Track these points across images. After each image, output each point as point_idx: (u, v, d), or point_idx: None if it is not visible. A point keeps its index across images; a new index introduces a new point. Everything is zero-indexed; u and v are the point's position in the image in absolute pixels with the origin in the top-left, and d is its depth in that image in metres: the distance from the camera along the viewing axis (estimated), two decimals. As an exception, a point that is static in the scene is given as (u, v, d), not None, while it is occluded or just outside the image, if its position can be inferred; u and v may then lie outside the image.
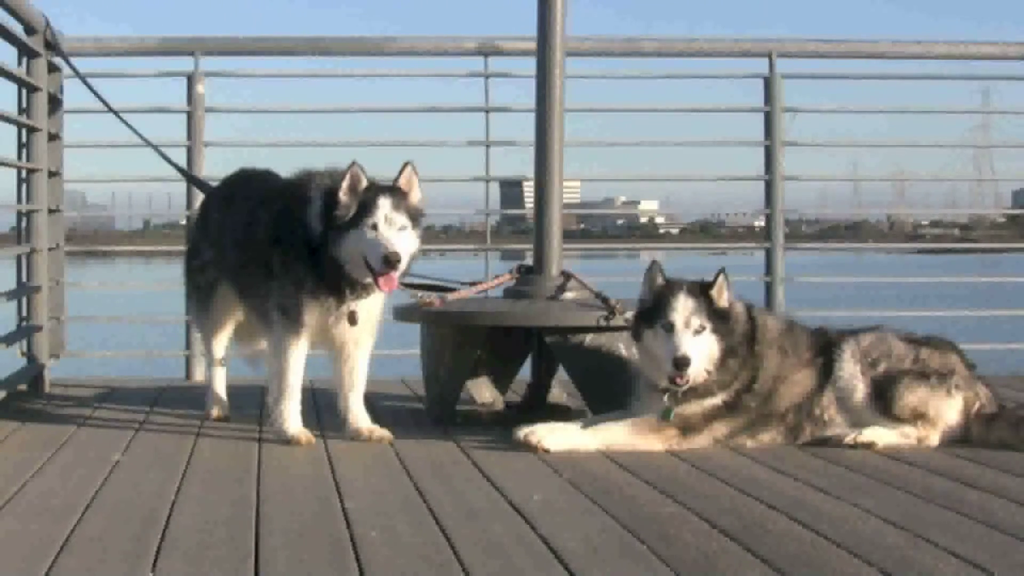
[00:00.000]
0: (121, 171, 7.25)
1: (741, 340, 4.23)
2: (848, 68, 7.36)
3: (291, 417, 4.33)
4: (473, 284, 4.95)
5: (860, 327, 4.47)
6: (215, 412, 4.78)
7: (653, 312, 4.17)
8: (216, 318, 4.78)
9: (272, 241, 4.32)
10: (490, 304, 4.84)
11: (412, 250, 4.20)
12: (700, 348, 4.12)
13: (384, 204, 4.15)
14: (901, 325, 4.60)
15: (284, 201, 4.37)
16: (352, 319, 4.30)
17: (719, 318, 4.18)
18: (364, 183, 4.19)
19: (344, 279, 4.22)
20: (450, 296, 4.80)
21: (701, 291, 4.17)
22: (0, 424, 4.68)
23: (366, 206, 4.14)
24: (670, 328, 4.11)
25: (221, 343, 4.82)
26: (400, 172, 4.27)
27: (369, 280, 4.18)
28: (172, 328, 6.97)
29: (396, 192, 4.22)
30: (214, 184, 5.14)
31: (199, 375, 6.23)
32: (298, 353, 4.33)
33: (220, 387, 4.81)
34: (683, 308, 4.13)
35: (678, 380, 4.11)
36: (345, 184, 4.17)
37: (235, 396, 4.89)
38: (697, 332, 4.12)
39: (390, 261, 4.09)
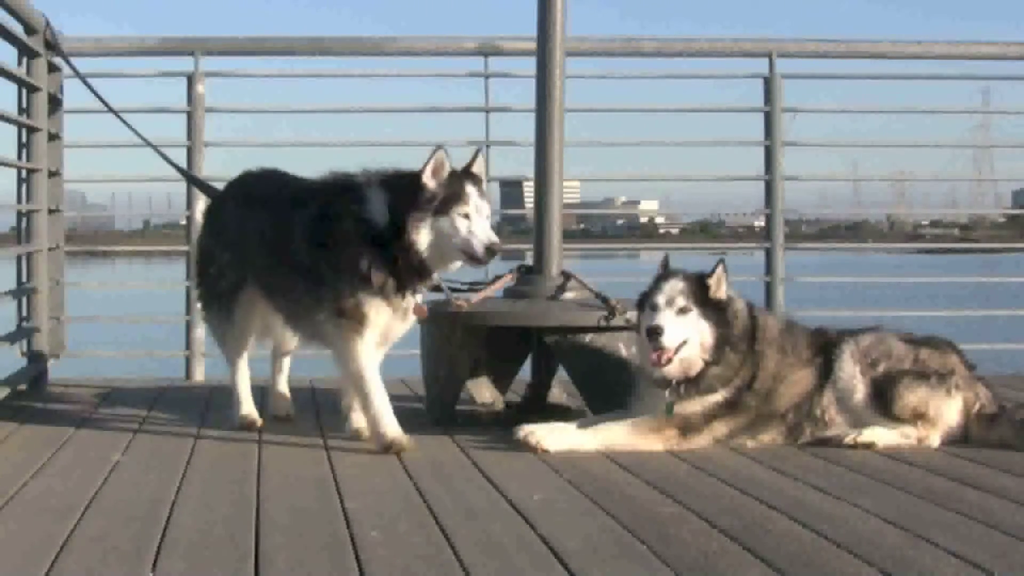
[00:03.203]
0: (121, 171, 7.23)
1: (741, 336, 4.24)
2: (848, 68, 7.39)
3: (385, 420, 4.15)
4: (474, 285, 4.89)
5: (860, 327, 4.48)
6: (254, 416, 4.60)
7: (645, 296, 4.22)
8: (242, 324, 4.58)
9: (323, 242, 4.17)
10: (490, 304, 4.83)
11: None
12: (683, 327, 4.14)
13: (473, 192, 4.10)
14: (901, 325, 4.60)
15: (332, 200, 4.21)
16: (418, 311, 4.22)
17: (713, 306, 4.20)
18: (448, 169, 4.10)
19: (411, 270, 4.12)
20: (474, 297, 4.74)
21: (696, 279, 4.20)
22: (0, 424, 4.68)
23: (457, 193, 4.08)
24: (654, 307, 4.15)
25: (246, 346, 4.66)
26: (473, 159, 4.21)
27: (435, 273, 4.17)
28: (172, 328, 6.96)
29: (478, 180, 4.17)
30: (215, 184, 5.04)
31: (199, 375, 6.24)
32: (368, 354, 4.17)
33: (248, 390, 4.66)
34: (668, 289, 4.17)
35: (656, 358, 4.12)
36: (429, 169, 4.06)
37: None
38: (682, 312, 4.15)
39: (493, 252, 4.07)
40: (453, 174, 4.11)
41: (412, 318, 4.27)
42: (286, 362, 4.83)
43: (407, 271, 4.12)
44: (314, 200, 4.26)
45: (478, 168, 4.20)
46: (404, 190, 4.09)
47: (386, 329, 4.23)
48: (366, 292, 4.12)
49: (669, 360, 4.14)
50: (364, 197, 4.15)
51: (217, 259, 4.59)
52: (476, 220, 4.08)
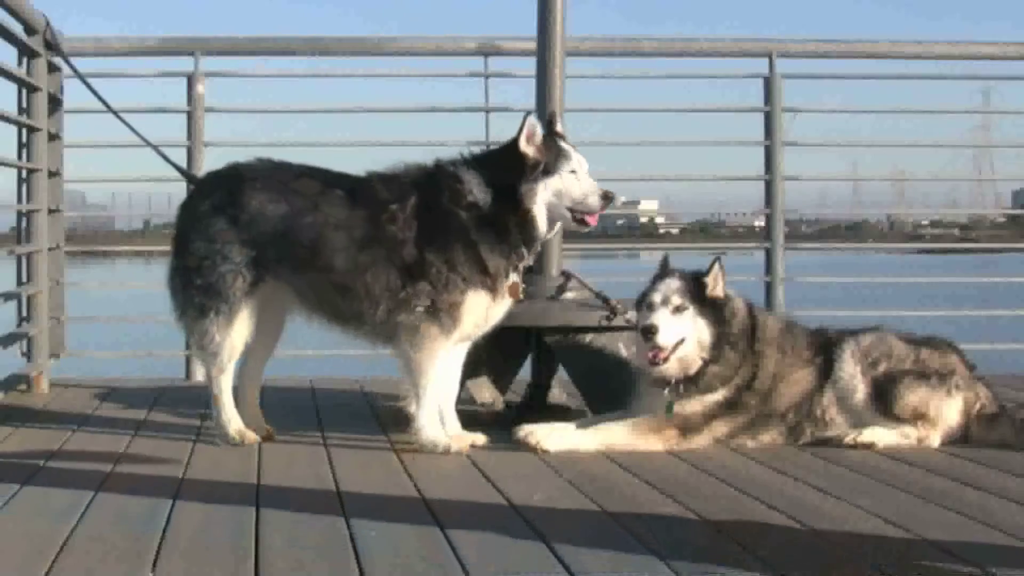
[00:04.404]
0: (121, 171, 7.25)
1: (740, 334, 4.24)
2: (848, 68, 7.37)
3: (433, 423, 4.14)
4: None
5: (860, 327, 4.48)
6: (251, 434, 4.30)
7: (642, 296, 4.23)
8: (248, 328, 4.25)
9: (431, 235, 4.06)
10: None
11: None
12: (678, 325, 4.15)
13: (572, 149, 4.15)
14: (901, 325, 4.60)
15: (430, 189, 4.12)
16: (513, 290, 4.18)
17: (710, 304, 4.21)
18: (540, 134, 4.13)
19: (523, 243, 4.12)
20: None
21: (693, 277, 4.21)
22: (0, 424, 4.68)
23: (560, 153, 4.12)
24: (649, 306, 4.16)
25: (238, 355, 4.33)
26: (552, 120, 4.29)
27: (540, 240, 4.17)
28: (172, 328, 6.95)
29: (566, 138, 4.22)
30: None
31: (199, 375, 6.22)
32: (444, 356, 4.15)
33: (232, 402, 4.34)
34: (664, 288, 4.19)
35: (652, 357, 4.13)
36: (524, 137, 4.08)
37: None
38: (678, 310, 4.16)
39: (609, 197, 4.12)
40: (545, 137, 4.14)
41: (508, 299, 4.21)
42: (260, 375, 4.51)
43: (519, 245, 4.13)
44: (401, 191, 4.13)
45: (560, 129, 4.25)
46: (502, 164, 4.11)
47: (486, 317, 4.18)
48: (475, 285, 4.09)
49: (665, 359, 4.14)
50: (464, 182, 4.12)
51: (229, 258, 4.20)
52: (583, 176, 4.13)
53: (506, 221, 4.11)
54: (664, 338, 4.12)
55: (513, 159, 4.10)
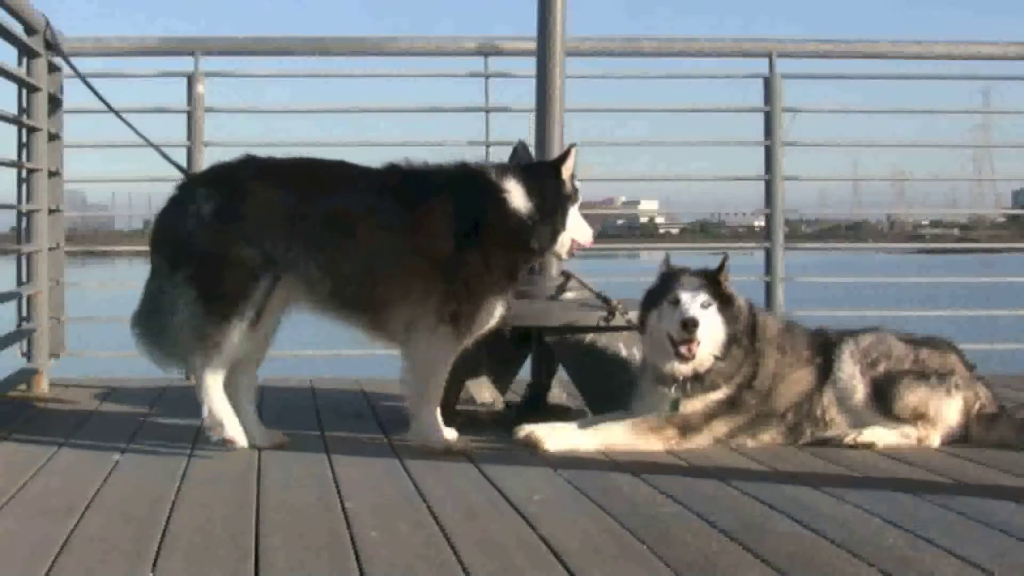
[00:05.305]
0: (121, 171, 7.25)
1: (743, 332, 4.24)
2: (848, 68, 7.37)
3: (439, 426, 4.15)
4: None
5: (860, 327, 4.48)
6: (273, 438, 4.24)
7: (658, 293, 4.22)
8: (260, 332, 4.10)
9: (471, 238, 4.06)
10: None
11: None
12: (708, 322, 4.14)
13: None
14: (901, 325, 4.60)
15: (472, 193, 4.13)
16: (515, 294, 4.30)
17: (725, 301, 4.21)
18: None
19: (534, 260, 4.32)
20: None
21: (711, 275, 4.23)
22: (0, 424, 4.68)
23: (576, 189, 4.28)
24: (676, 301, 4.15)
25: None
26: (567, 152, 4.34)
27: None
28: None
29: None
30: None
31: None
32: (452, 358, 4.19)
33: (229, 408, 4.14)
34: (689, 283, 4.19)
35: (685, 351, 4.11)
36: (569, 167, 4.24)
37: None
38: (704, 306, 4.16)
39: (591, 237, 4.36)
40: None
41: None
42: (254, 384, 4.30)
43: (538, 256, 4.29)
44: (438, 190, 4.10)
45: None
46: (542, 182, 4.20)
47: (496, 319, 4.22)
48: (499, 292, 4.15)
49: (695, 355, 4.14)
50: (509, 191, 4.16)
51: (246, 259, 4.01)
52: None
53: (544, 234, 4.17)
54: (702, 334, 4.12)
55: (552, 180, 4.22)
